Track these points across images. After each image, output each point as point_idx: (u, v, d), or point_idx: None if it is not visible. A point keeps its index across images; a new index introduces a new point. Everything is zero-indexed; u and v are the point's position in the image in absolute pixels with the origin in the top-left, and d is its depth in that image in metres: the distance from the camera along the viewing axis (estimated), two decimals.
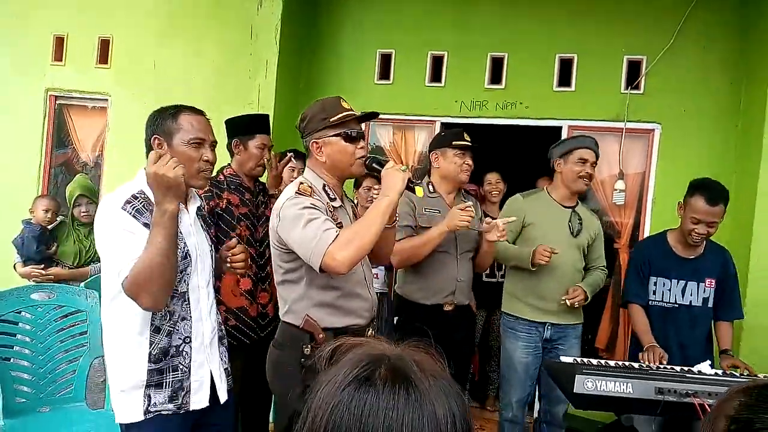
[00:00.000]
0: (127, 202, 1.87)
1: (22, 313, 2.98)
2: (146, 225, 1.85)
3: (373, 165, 2.28)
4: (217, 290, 2.82)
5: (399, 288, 3.11)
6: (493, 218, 4.39)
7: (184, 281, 1.97)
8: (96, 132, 5.24)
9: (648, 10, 4.24)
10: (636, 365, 2.58)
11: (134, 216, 1.85)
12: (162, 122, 1.98)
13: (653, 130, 4.26)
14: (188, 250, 1.98)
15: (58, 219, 4.11)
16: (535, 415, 3.70)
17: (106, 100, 5.06)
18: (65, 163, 5.36)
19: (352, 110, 2.29)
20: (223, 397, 2.09)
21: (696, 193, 2.84)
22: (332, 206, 2.26)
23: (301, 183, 2.24)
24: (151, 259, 1.76)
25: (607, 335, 4.41)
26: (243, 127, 3.03)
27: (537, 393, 3.40)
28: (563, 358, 2.67)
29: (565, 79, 4.40)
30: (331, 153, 2.26)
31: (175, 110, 2.01)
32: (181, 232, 1.95)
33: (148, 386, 1.89)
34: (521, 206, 3.24)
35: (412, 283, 3.02)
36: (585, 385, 2.21)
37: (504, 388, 3.28)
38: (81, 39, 5.06)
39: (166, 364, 1.92)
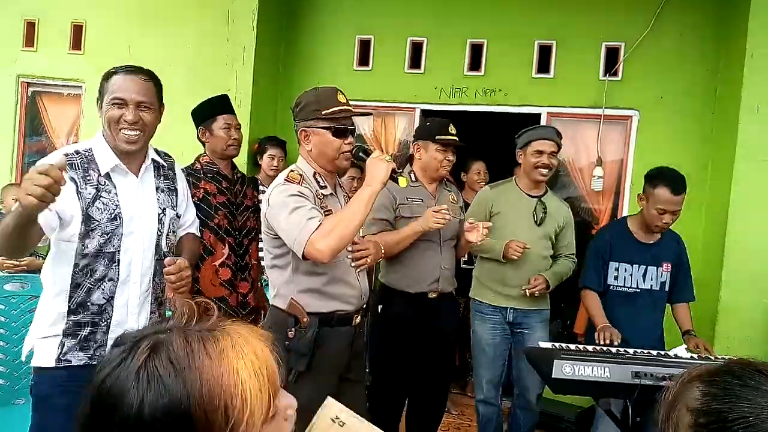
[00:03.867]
0: (66, 154, 1.91)
1: None
2: (72, 179, 1.87)
3: (359, 154, 2.29)
4: (195, 280, 2.82)
5: (382, 277, 3.10)
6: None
7: (111, 242, 1.96)
8: (70, 119, 5.15)
9: None
10: (614, 350, 2.60)
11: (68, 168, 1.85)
12: (101, 85, 2.00)
13: (631, 116, 4.29)
14: (119, 212, 1.97)
15: None
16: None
17: (80, 86, 4.96)
18: (40, 150, 5.26)
19: (347, 105, 2.29)
20: None
21: (659, 184, 2.87)
22: (321, 194, 2.26)
23: (292, 170, 2.26)
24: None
25: (585, 321, 4.45)
26: (203, 113, 3.01)
27: (510, 379, 3.45)
28: (542, 344, 2.69)
29: (544, 66, 4.40)
30: (318, 144, 2.27)
31: (112, 71, 1.99)
32: (116, 195, 1.96)
33: (65, 335, 1.94)
34: (488, 196, 3.32)
35: (396, 271, 3.01)
36: (563, 369, 2.23)
37: (475, 370, 3.36)
38: (53, 24, 4.96)
39: (83, 318, 1.95)
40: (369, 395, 3.15)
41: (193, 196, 2.83)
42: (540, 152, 3.16)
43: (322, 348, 2.23)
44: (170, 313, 3.20)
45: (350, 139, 2.29)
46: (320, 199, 2.24)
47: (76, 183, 1.88)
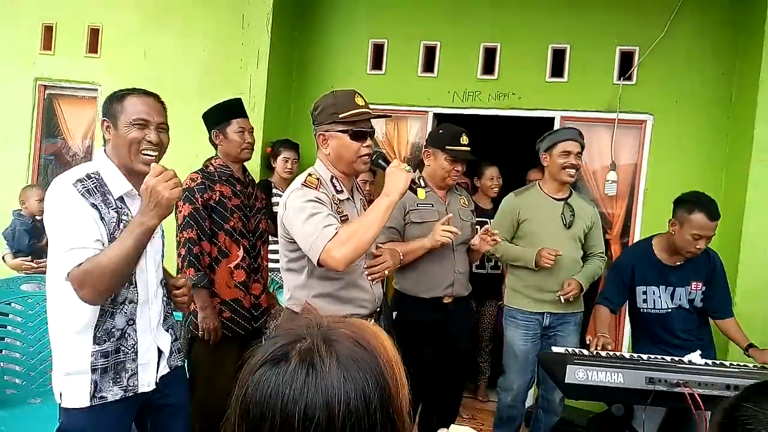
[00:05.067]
0: (79, 180, 1.85)
1: (12, 305, 2.96)
2: (93, 206, 1.82)
3: (379, 161, 2.30)
4: (211, 282, 2.84)
5: (396, 283, 3.09)
6: (485, 209, 4.42)
7: None
8: (86, 122, 5.20)
9: (641, 0, 4.23)
10: (627, 355, 2.59)
11: (83, 194, 1.82)
12: (110, 105, 1.95)
13: (645, 120, 4.26)
14: None
15: None
16: (531, 395, 3.78)
17: (96, 89, 5.02)
18: (55, 153, 5.31)
19: (365, 107, 2.28)
20: (162, 371, 2.07)
21: (696, 210, 2.83)
22: (338, 199, 2.27)
23: (310, 174, 2.25)
24: (113, 261, 1.74)
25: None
26: (217, 117, 3.01)
27: (536, 380, 3.47)
28: (555, 349, 2.69)
29: (557, 70, 4.39)
30: (336, 147, 2.26)
31: (123, 93, 1.97)
32: (133, 217, 1.90)
33: (93, 370, 1.87)
34: (514, 204, 3.32)
35: (410, 277, 3.00)
36: (576, 374, 2.23)
37: (506, 375, 3.38)
38: (70, 28, 5.01)
39: (110, 346, 1.89)
40: None
41: (209, 199, 2.86)
42: (567, 153, 3.19)
43: None
44: (180, 315, 3.22)
45: (369, 141, 2.28)
46: (336, 204, 2.24)
47: (98, 209, 1.84)
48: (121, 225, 1.89)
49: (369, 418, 0.75)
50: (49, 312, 1.92)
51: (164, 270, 2.20)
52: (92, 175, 1.89)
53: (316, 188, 2.19)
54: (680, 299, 3.02)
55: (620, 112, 4.24)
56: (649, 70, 4.21)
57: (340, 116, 2.23)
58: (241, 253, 2.92)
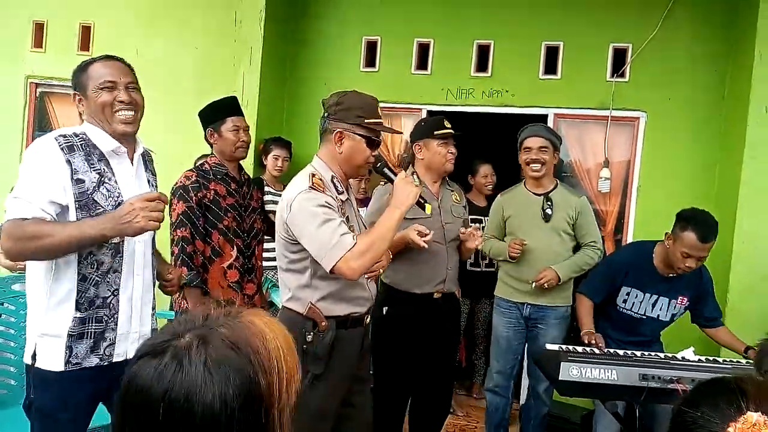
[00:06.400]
0: (62, 135, 1.86)
1: (4, 305, 2.94)
2: (68, 163, 1.81)
3: (385, 171, 2.35)
4: (204, 282, 2.83)
5: (386, 277, 3.10)
6: (480, 207, 4.42)
7: None
8: (78, 120, 5.15)
9: None
10: (621, 352, 2.60)
11: (62, 149, 1.82)
12: (77, 78, 1.94)
13: (638, 118, 4.27)
14: (122, 200, 1.91)
15: None
16: (524, 393, 3.83)
17: None
18: None
19: (381, 119, 2.34)
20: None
21: (689, 228, 2.81)
22: (340, 200, 2.28)
23: (313, 175, 2.24)
24: (51, 239, 1.72)
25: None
26: (212, 115, 3.00)
27: (525, 371, 3.56)
28: (549, 346, 2.69)
29: (551, 67, 4.39)
30: (350, 148, 2.27)
31: (87, 62, 1.95)
32: (116, 182, 1.91)
33: (69, 336, 1.86)
34: (500, 203, 3.48)
35: (402, 272, 3.01)
36: (570, 372, 2.24)
37: (491, 361, 3.51)
38: (61, 25, 4.99)
39: (89, 314, 1.89)
40: (373, 395, 3.17)
41: (203, 198, 2.84)
42: (528, 149, 3.31)
43: (338, 350, 2.25)
44: (173, 314, 3.22)
45: (376, 151, 2.35)
46: (340, 205, 2.25)
47: (71, 167, 1.81)
48: (102, 188, 1.87)
49: (227, 419, 0.80)
50: (28, 277, 1.91)
51: (158, 254, 2.20)
52: (78, 134, 1.90)
53: (323, 191, 2.18)
54: (660, 309, 3.04)
55: (613, 109, 4.25)
56: (642, 68, 4.22)
57: (366, 121, 2.25)
58: (234, 252, 2.91)
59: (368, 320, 2.42)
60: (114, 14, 4.87)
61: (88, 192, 1.84)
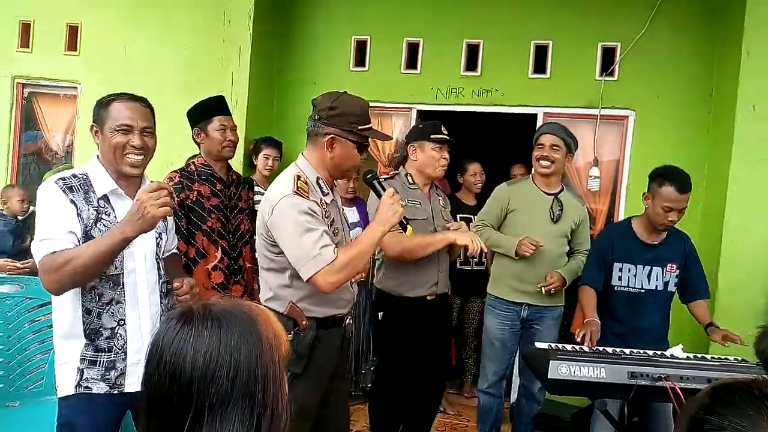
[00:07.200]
0: (62, 178, 1.94)
1: None
2: (72, 202, 1.89)
3: (375, 184, 2.35)
4: None
5: (379, 283, 3.09)
6: (469, 206, 4.42)
7: (115, 265, 1.96)
8: (66, 120, 5.14)
9: None
10: (610, 350, 2.60)
11: (63, 191, 1.90)
12: (97, 111, 2.01)
13: (627, 116, 4.29)
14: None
15: (31, 209, 4.01)
16: (515, 391, 3.83)
17: (76, 87, 4.95)
18: (36, 152, 5.24)
19: (371, 123, 2.34)
20: None
21: (665, 183, 2.87)
22: (325, 202, 2.26)
23: (299, 177, 2.21)
24: (83, 258, 1.79)
25: (582, 321, 4.44)
26: (199, 114, 2.97)
27: (517, 370, 3.54)
28: (538, 344, 2.69)
29: (540, 66, 4.40)
30: (341, 154, 2.27)
31: (110, 99, 2.02)
32: (115, 217, 1.97)
33: (81, 360, 1.94)
34: (505, 193, 3.38)
35: (396, 277, 3.01)
36: (559, 370, 2.23)
37: (483, 362, 3.45)
38: (48, 25, 4.95)
39: (101, 343, 1.95)
40: (371, 400, 3.21)
41: (186, 199, 2.82)
42: (541, 145, 3.26)
43: (318, 349, 2.25)
44: None
45: (365, 153, 2.35)
46: (324, 208, 2.24)
47: (76, 205, 1.90)
48: (99, 224, 1.93)
49: (230, 370, 0.91)
50: (54, 306, 2.01)
51: (171, 268, 2.20)
52: (78, 175, 1.97)
53: (307, 196, 2.16)
54: (657, 279, 3.02)
55: (602, 108, 4.26)
56: (630, 66, 4.23)
57: (359, 127, 2.24)
58: (219, 254, 2.88)
59: (348, 320, 2.42)
60: (101, 14, 4.83)
61: (87, 228, 1.91)
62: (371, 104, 4.63)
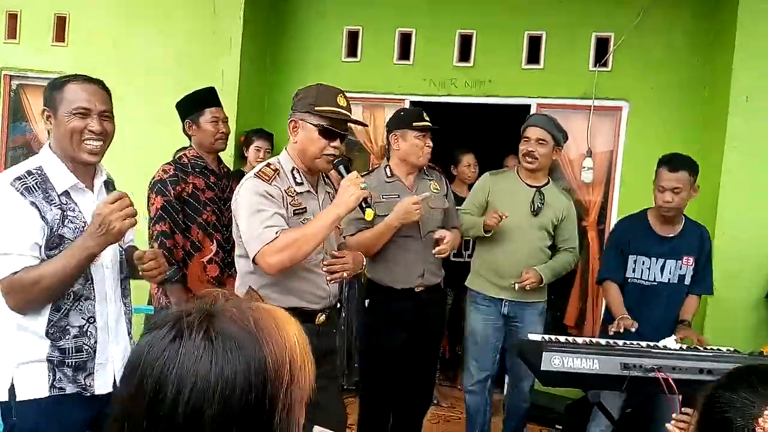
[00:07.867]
0: (17, 178, 1.77)
1: None
2: (33, 204, 1.75)
3: (339, 168, 2.29)
4: (183, 277, 2.78)
5: (368, 271, 3.08)
6: (463, 197, 4.40)
7: None
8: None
9: None
10: (603, 341, 2.60)
11: (21, 193, 1.74)
12: (50, 94, 1.86)
13: (621, 107, 4.27)
14: None
15: None
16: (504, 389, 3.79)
17: None
18: (25, 144, 5.19)
19: (345, 109, 2.26)
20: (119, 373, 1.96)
21: (660, 165, 2.91)
22: (294, 191, 2.24)
23: (268, 164, 2.24)
24: (48, 278, 1.71)
25: (576, 313, 4.46)
26: (190, 106, 2.95)
27: (505, 368, 3.48)
28: (531, 336, 2.68)
29: (533, 57, 4.37)
30: (303, 139, 2.26)
31: (63, 80, 1.87)
32: (80, 211, 1.85)
33: (49, 361, 1.81)
34: (487, 182, 3.35)
35: (381, 268, 2.99)
36: (552, 362, 2.22)
37: (466, 359, 3.41)
38: (35, 16, 4.88)
39: (65, 343, 1.83)
40: (361, 391, 3.16)
41: (181, 191, 2.79)
42: (527, 139, 3.20)
43: None
44: (152, 309, 3.16)
45: (337, 143, 2.27)
46: (292, 196, 2.22)
47: (38, 208, 1.76)
48: (66, 221, 1.81)
49: (223, 397, 0.76)
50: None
51: (131, 251, 2.06)
52: (33, 171, 1.81)
53: (269, 180, 2.18)
54: (670, 273, 2.99)
55: (596, 98, 4.25)
56: (624, 57, 4.21)
57: (315, 108, 2.21)
58: (214, 247, 2.86)
59: (322, 319, 2.33)
60: (90, 4, 4.77)
61: (54, 229, 1.79)
62: (363, 95, 4.62)
